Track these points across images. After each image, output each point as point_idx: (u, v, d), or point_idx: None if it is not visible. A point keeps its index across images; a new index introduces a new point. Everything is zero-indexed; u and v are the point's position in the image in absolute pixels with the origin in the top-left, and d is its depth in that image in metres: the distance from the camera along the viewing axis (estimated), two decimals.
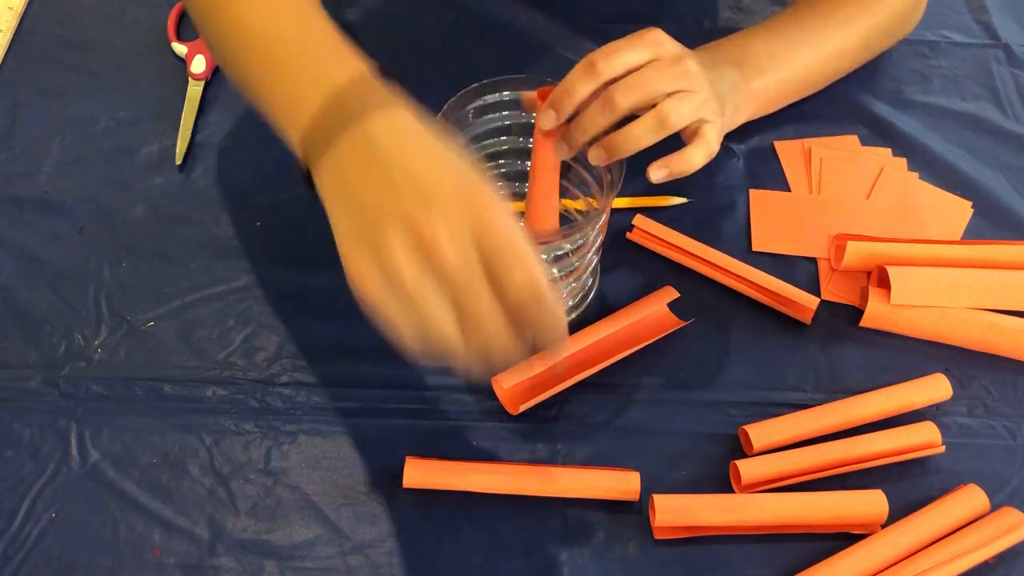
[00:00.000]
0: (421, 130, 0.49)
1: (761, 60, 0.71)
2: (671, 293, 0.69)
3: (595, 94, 0.59)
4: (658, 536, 0.61)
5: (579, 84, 0.58)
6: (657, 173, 0.62)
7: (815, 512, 0.61)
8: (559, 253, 0.62)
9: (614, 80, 0.59)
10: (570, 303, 0.67)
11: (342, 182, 0.49)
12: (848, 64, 0.79)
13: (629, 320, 0.68)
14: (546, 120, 0.59)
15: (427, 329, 0.46)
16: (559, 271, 0.63)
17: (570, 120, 0.60)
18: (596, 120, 0.59)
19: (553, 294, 0.46)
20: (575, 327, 0.67)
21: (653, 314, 0.68)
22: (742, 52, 0.71)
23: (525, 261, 0.45)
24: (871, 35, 0.77)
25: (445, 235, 0.45)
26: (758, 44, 0.72)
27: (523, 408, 0.64)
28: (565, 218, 0.67)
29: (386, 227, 0.46)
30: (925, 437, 0.64)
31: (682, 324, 0.68)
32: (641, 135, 0.59)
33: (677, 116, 0.60)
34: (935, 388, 0.66)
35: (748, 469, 0.62)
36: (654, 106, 0.60)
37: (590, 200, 0.65)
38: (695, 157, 0.62)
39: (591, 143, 0.60)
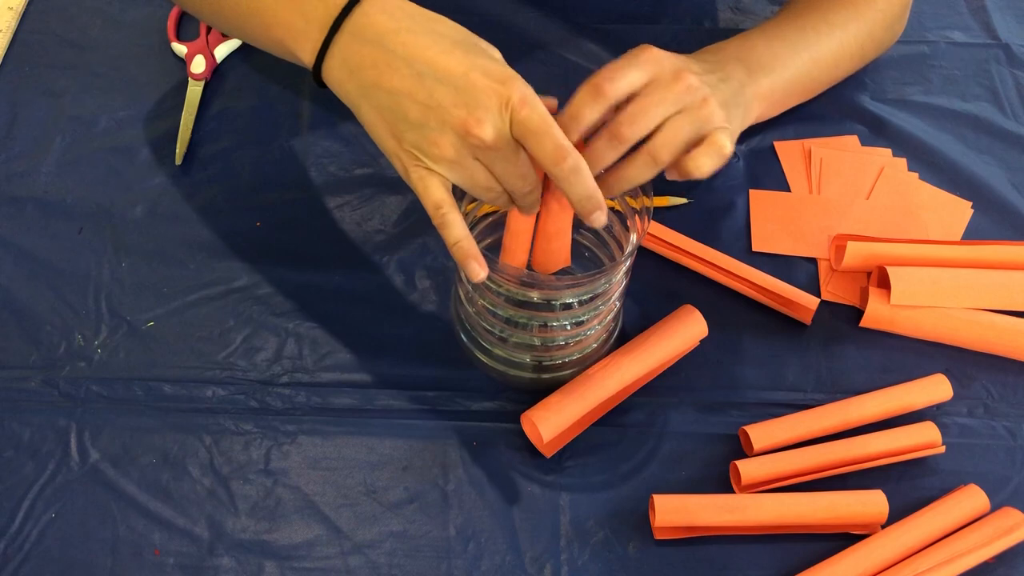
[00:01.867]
0: (414, 10, 0.56)
1: (765, 60, 0.71)
2: (696, 321, 0.67)
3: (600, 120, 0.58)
4: (658, 536, 0.61)
5: (586, 109, 0.56)
6: (670, 175, 0.62)
7: (815, 512, 0.61)
8: (584, 298, 0.60)
9: (618, 104, 0.58)
10: (593, 345, 0.66)
11: (360, 80, 0.55)
12: (843, 71, 0.79)
13: (659, 358, 0.66)
14: None
15: (481, 194, 0.56)
16: (584, 314, 0.62)
17: None
18: (603, 155, 0.57)
19: (580, 162, 0.53)
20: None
21: (683, 347, 0.67)
22: (746, 52, 0.70)
23: (553, 135, 0.52)
24: (865, 42, 0.77)
25: (491, 130, 0.52)
26: (760, 46, 0.72)
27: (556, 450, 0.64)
28: (596, 257, 0.66)
29: (434, 131, 0.53)
30: (925, 437, 0.64)
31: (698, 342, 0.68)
32: (635, 175, 0.58)
33: (669, 151, 0.58)
34: (935, 388, 0.66)
35: (748, 469, 0.62)
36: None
37: (627, 200, 0.62)
38: (703, 164, 0.60)
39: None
